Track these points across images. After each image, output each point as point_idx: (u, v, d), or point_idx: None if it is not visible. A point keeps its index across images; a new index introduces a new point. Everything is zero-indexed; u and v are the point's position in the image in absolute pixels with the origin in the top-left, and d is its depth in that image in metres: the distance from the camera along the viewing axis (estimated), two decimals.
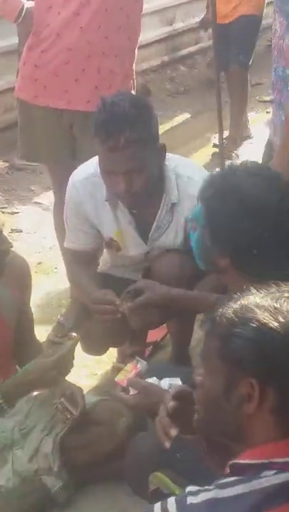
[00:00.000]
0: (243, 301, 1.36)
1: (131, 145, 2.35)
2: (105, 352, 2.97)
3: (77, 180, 2.67)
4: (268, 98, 6.31)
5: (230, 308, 1.35)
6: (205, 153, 5.15)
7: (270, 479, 1.26)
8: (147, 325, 2.63)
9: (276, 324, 1.30)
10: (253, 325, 1.30)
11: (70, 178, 2.72)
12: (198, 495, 1.29)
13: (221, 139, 3.73)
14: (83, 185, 2.63)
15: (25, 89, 3.20)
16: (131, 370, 2.11)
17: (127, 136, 2.33)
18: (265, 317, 1.31)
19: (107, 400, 2.61)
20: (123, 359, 2.98)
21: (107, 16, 3.03)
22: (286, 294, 1.37)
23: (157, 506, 1.34)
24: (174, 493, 1.91)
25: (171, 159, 2.66)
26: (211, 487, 1.29)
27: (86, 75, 3.07)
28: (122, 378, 2.11)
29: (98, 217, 2.65)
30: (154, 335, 3.09)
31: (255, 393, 1.29)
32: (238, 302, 1.37)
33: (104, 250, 2.86)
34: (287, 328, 1.30)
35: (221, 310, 1.37)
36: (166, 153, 2.61)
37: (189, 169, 2.67)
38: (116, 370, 2.98)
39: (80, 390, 2.47)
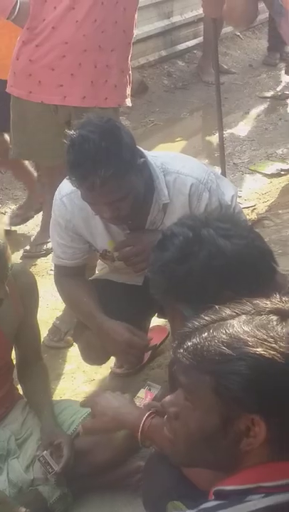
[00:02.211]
0: (229, 330, 1.32)
1: (108, 181, 2.32)
2: (106, 361, 2.94)
3: (63, 195, 2.62)
4: (268, 94, 6.36)
5: (218, 338, 1.32)
6: (203, 149, 5.14)
7: (256, 503, 1.27)
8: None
9: (276, 354, 1.28)
10: (253, 359, 1.28)
11: (56, 194, 2.70)
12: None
13: (221, 136, 3.71)
14: (70, 199, 2.59)
15: (18, 85, 3.21)
16: (145, 396, 2.07)
17: (102, 175, 2.30)
18: (264, 350, 1.28)
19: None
20: (121, 364, 3.00)
21: (103, 9, 3.03)
22: (272, 317, 1.35)
23: None
24: None
25: (158, 156, 2.63)
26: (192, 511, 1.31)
27: (82, 69, 3.07)
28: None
29: (89, 231, 2.63)
30: (153, 339, 3.10)
31: (259, 429, 1.28)
32: (223, 330, 1.33)
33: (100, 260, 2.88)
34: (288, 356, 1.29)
35: (201, 338, 1.33)
36: (152, 151, 2.65)
37: (177, 163, 2.63)
38: (113, 375, 3.01)
39: (69, 439, 2.42)
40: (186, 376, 1.36)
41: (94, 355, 2.87)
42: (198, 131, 5.44)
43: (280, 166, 4.98)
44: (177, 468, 1.88)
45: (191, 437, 1.37)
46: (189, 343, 1.35)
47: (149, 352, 3.05)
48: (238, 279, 1.85)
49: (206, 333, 1.34)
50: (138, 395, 2.09)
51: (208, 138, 5.24)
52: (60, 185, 2.64)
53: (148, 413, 1.94)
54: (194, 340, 1.35)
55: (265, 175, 4.87)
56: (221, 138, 3.44)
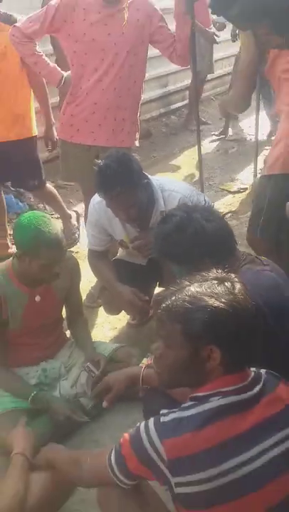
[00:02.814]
0: (188, 292, 1.36)
1: (121, 195, 2.35)
2: (119, 313, 2.96)
3: (95, 203, 2.68)
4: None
5: (181, 298, 1.35)
6: (188, 175, 5.12)
7: (215, 403, 1.32)
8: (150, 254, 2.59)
9: (220, 304, 1.32)
10: (207, 309, 1.31)
11: (91, 201, 2.73)
12: (167, 415, 1.34)
13: (200, 166, 3.64)
14: (99, 206, 2.62)
15: (64, 132, 3.18)
16: (146, 362, 2.01)
17: (118, 191, 2.34)
18: (213, 301, 1.32)
19: (123, 346, 2.62)
20: (134, 318, 3.01)
21: (120, 81, 3.00)
22: (214, 281, 1.39)
23: (141, 424, 1.39)
24: None
25: (158, 180, 2.65)
26: (176, 410, 1.34)
27: (106, 121, 3.05)
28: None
29: (111, 228, 2.66)
30: None
31: (216, 354, 1.32)
32: (184, 293, 1.36)
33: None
34: (230, 305, 1.33)
35: (171, 300, 1.36)
36: (154, 176, 2.65)
37: (171, 185, 2.63)
38: (129, 325, 3.01)
39: (104, 358, 2.46)
40: (163, 327, 1.38)
41: (111, 308, 2.91)
42: (185, 163, 5.40)
43: (239, 185, 4.97)
44: (167, 394, 1.87)
45: (171, 368, 1.40)
46: (163, 305, 1.38)
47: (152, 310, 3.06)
48: (213, 250, 1.85)
49: (173, 297, 1.37)
50: (142, 362, 2.04)
51: (191, 167, 5.20)
52: (93, 196, 2.65)
53: (143, 368, 1.96)
54: (166, 302, 1.37)
55: (230, 192, 4.85)
56: (201, 167, 3.40)
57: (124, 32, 2.93)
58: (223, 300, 1.32)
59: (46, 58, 3.14)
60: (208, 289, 1.35)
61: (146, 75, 3.24)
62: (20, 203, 4.34)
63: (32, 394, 2.26)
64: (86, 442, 2.30)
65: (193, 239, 1.87)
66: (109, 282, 2.70)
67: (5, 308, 2.27)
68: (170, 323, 1.35)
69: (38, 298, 2.34)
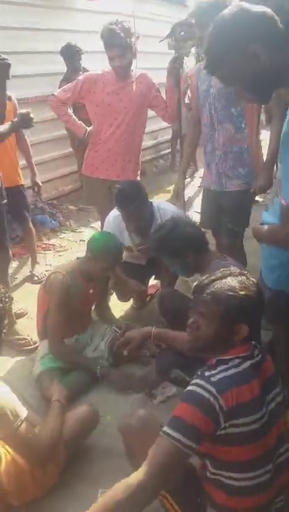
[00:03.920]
0: (228, 283, 1.31)
1: (133, 211, 2.46)
2: (128, 300, 2.93)
3: (110, 219, 2.71)
4: None
5: (223, 288, 1.30)
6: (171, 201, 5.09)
7: (245, 364, 1.27)
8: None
9: (250, 293, 1.30)
10: (242, 297, 1.29)
11: (106, 218, 2.77)
12: (214, 376, 1.23)
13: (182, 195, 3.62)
14: (113, 220, 2.67)
15: (86, 169, 3.17)
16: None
17: (131, 209, 2.45)
18: (246, 292, 1.29)
19: (130, 323, 2.61)
20: (136, 303, 3.00)
21: (128, 134, 3.01)
22: (242, 276, 1.34)
23: (191, 387, 1.23)
24: (184, 379, 1.94)
25: (155, 202, 2.72)
26: (215, 371, 1.24)
27: (117, 162, 3.04)
28: None
29: (121, 237, 2.65)
30: (151, 290, 3.09)
31: (244, 330, 1.28)
32: (225, 283, 1.31)
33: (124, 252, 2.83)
34: (257, 295, 1.31)
35: (215, 288, 1.31)
36: (152, 201, 2.70)
37: (164, 205, 2.73)
38: (134, 309, 3.00)
39: (124, 323, 2.52)
40: (208, 307, 1.32)
41: (121, 297, 2.87)
42: (170, 194, 5.40)
43: None
44: (173, 352, 1.87)
45: (206, 338, 1.33)
46: (208, 291, 1.32)
47: (148, 297, 3.08)
48: (194, 247, 1.93)
49: (216, 285, 1.32)
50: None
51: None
52: (110, 212, 2.69)
53: (153, 328, 1.94)
54: (210, 288, 1.32)
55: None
56: (182, 196, 3.36)
57: (131, 99, 2.95)
58: (251, 290, 1.30)
59: (75, 117, 3.14)
60: (241, 281, 1.32)
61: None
62: (53, 221, 4.31)
63: (98, 367, 2.25)
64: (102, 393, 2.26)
65: (179, 239, 1.95)
66: (121, 275, 2.67)
67: (68, 295, 2.25)
68: (214, 305, 1.30)
69: (91, 290, 2.36)
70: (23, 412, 1.48)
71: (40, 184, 3.39)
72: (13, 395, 1.46)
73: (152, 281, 3.06)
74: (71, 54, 4.35)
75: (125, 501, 1.12)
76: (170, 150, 6.76)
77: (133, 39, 2.81)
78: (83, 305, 2.39)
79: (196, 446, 1.17)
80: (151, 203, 2.64)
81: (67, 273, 2.25)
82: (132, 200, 2.45)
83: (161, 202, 2.82)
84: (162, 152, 6.95)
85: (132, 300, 2.99)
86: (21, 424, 1.45)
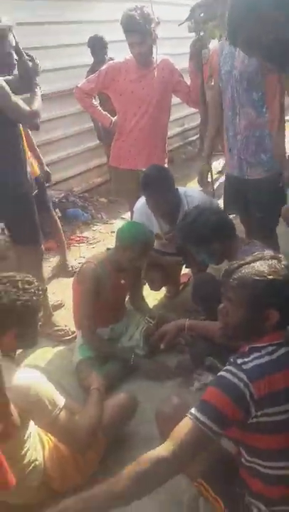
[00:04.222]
0: (256, 267, 1.26)
1: (157, 195, 2.44)
2: (160, 289, 2.92)
3: (138, 203, 2.70)
4: None
5: (251, 272, 1.25)
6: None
7: (280, 352, 1.22)
8: None
9: (279, 277, 1.25)
10: (269, 280, 1.24)
11: (135, 207, 2.76)
12: (247, 363, 1.20)
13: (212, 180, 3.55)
14: (141, 207, 2.67)
15: (114, 161, 3.17)
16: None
17: (155, 192, 2.44)
18: (275, 276, 1.25)
19: (163, 312, 2.62)
20: (169, 292, 2.99)
21: (152, 121, 2.97)
22: (273, 260, 1.29)
23: (221, 373, 1.21)
24: (217, 366, 1.91)
25: (182, 189, 2.68)
26: (249, 358, 1.21)
27: (143, 151, 3.01)
28: None
29: (150, 224, 2.64)
30: (183, 279, 3.07)
31: (274, 316, 1.24)
32: (252, 267, 1.26)
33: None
34: (286, 279, 1.25)
35: (242, 272, 1.27)
36: (179, 188, 2.66)
37: (192, 192, 2.68)
38: (167, 297, 2.99)
39: (157, 313, 2.52)
40: (234, 293, 1.28)
41: (153, 286, 2.86)
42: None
43: None
44: (205, 340, 1.86)
45: (236, 324, 1.29)
46: (235, 276, 1.28)
47: (181, 285, 3.05)
48: (219, 235, 1.88)
49: (243, 270, 1.28)
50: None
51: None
52: (138, 201, 2.69)
53: (187, 320, 1.95)
54: (238, 273, 1.28)
55: None
56: (208, 182, 3.26)
57: (153, 86, 2.91)
58: (281, 274, 1.25)
59: (100, 108, 3.14)
60: (270, 265, 1.27)
61: (170, 117, 3.20)
62: (85, 214, 4.34)
63: (132, 356, 2.27)
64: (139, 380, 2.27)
65: (203, 227, 1.92)
66: (161, 258, 2.69)
67: (99, 284, 2.26)
68: (241, 290, 1.26)
69: (123, 281, 2.37)
70: (61, 400, 1.50)
71: (50, 172, 3.35)
72: (50, 384, 1.49)
73: (184, 269, 3.03)
74: (98, 45, 4.33)
75: (147, 472, 1.11)
76: (198, 136, 6.63)
77: (153, 25, 2.76)
78: (115, 295, 2.39)
79: (221, 431, 1.16)
80: (177, 189, 2.60)
81: (97, 263, 2.27)
82: (157, 184, 2.42)
83: (189, 189, 2.79)
84: (190, 139, 6.84)
85: (164, 289, 2.97)
86: (60, 412, 1.47)
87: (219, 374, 1.22)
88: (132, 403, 1.87)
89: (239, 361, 1.21)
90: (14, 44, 2.31)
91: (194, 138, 6.87)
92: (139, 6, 2.75)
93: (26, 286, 1.50)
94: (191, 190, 2.72)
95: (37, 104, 2.28)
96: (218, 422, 1.15)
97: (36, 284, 1.56)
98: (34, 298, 1.50)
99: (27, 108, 2.22)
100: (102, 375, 1.98)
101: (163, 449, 1.14)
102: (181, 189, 2.66)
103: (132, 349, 2.38)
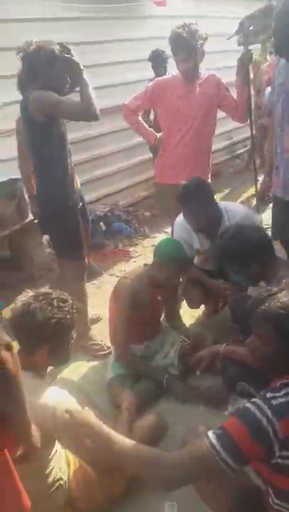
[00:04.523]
0: (280, 299, 1.20)
1: (193, 208, 2.41)
2: (199, 307, 2.85)
3: (178, 221, 2.66)
4: None
5: (275, 304, 1.19)
6: (248, 199, 4.89)
7: None
8: None
9: None
10: None
11: (175, 221, 2.72)
12: (276, 399, 1.13)
13: (256, 191, 3.48)
14: (181, 223, 2.62)
15: (158, 176, 3.17)
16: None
17: (190, 205, 2.41)
18: None
19: (199, 330, 2.55)
20: (208, 310, 2.92)
21: (197, 137, 2.94)
22: None
23: (247, 404, 1.15)
24: (251, 393, 1.83)
25: (223, 204, 2.61)
26: (279, 394, 1.13)
27: (187, 166, 2.97)
28: None
29: (190, 239, 2.60)
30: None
31: None
32: (277, 300, 1.20)
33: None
34: None
35: (266, 305, 1.21)
36: (220, 202, 2.59)
37: (234, 207, 2.61)
38: (205, 315, 2.91)
39: (192, 333, 2.46)
40: (259, 326, 1.23)
41: (192, 304, 2.78)
42: (245, 192, 5.20)
43: None
44: (238, 364, 1.78)
45: (262, 359, 1.24)
46: (260, 308, 1.22)
47: (220, 303, 2.96)
48: (258, 256, 1.80)
49: (269, 301, 1.22)
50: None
51: (250, 197, 4.98)
52: (179, 215, 2.65)
53: (222, 346, 1.92)
54: (263, 305, 1.22)
55: None
56: (257, 195, 3.21)
57: (199, 101, 2.88)
58: None
59: (146, 125, 3.16)
60: None
61: (217, 131, 3.15)
62: (128, 228, 4.36)
63: (165, 376, 2.22)
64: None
65: (240, 246, 1.84)
66: (204, 278, 2.62)
67: (135, 299, 2.24)
68: (265, 324, 1.21)
69: (159, 297, 2.35)
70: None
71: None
72: (78, 405, 1.47)
73: None
74: (159, 59, 4.38)
75: (146, 462, 1.18)
76: (246, 149, 6.52)
77: (200, 41, 2.74)
78: (151, 311, 2.36)
79: (235, 465, 1.10)
80: (217, 203, 2.53)
81: (134, 278, 2.25)
82: (195, 196, 2.38)
83: (230, 203, 2.72)
84: (238, 152, 6.74)
85: (203, 306, 2.90)
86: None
87: (245, 405, 1.15)
88: (162, 425, 1.83)
89: (268, 395, 1.14)
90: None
91: (242, 151, 6.76)
92: (187, 23, 2.75)
93: (61, 304, 1.51)
94: (232, 205, 2.65)
95: (85, 95, 2.23)
96: (234, 456, 1.09)
97: (71, 302, 1.56)
98: (68, 316, 1.51)
99: (78, 105, 2.22)
100: (134, 394, 1.95)
101: (171, 455, 1.17)
102: (222, 204, 2.60)
103: (166, 368, 2.33)
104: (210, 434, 1.13)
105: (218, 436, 1.11)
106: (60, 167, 2.34)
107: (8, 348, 1.05)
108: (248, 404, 1.14)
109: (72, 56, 2.28)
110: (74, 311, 1.55)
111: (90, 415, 1.35)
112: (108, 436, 1.26)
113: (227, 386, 2.08)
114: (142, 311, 2.28)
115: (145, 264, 2.41)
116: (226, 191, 5.33)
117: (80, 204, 2.57)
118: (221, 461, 1.09)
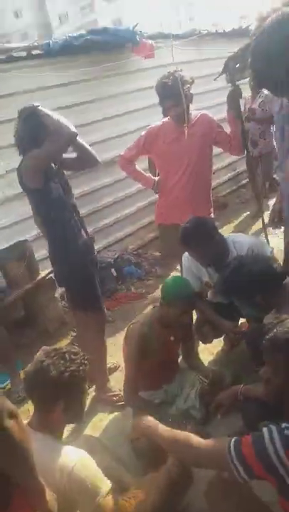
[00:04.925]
0: (288, 327, 1.19)
1: (195, 248, 2.43)
2: (211, 342, 2.75)
3: (185, 256, 2.66)
4: None
5: (282, 331, 1.18)
6: (254, 230, 4.86)
7: None
8: None
9: None
10: None
11: (183, 257, 2.72)
12: None
13: (263, 221, 3.46)
14: (188, 257, 2.63)
15: (159, 218, 3.23)
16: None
17: (192, 246, 2.43)
18: None
19: (216, 369, 2.50)
20: (226, 345, 2.85)
21: (194, 176, 3.00)
22: None
23: (265, 430, 1.18)
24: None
25: (230, 237, 2.59)
26: None
27: (186, 206, 3.01)
28: None
29: (199, 272, 2.60)
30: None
31: None
32: (284, 327, 1.19)
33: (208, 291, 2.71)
34: None
35: (274, 333, 1.20)
36: (228, 235, 2.58)
37: (240, 238, 2.58)
38: (224, 351, 2.84)
39: (211, 371, 2.40)
40: (269, 355, 1.24)
41: (205, 339, 2.71)
42: (251, 222, 5.17)
43: None
44: (258, 402, 1.74)
45: (276, 389, 1.25)
46: (268, 337, 1.22)
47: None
48: (263, 288, 1.79)
49: (276, 329, 1.23)
50: None
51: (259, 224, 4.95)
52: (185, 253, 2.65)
53: (241, 386, 1.89)
54: (272, 333, 1.22)
55: None
56: (263, 222, 3.18)
57: (193, 142, 2.95)
58: None
59: (142, 171, 3.24)
60: None
61: (220, 164, 3.22)
62: (138, 270, 4.38)
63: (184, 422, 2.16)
64: None
65: (244, 280, 1.82)
66: (213, 317, 2.58)
67: (146, 343, 2.23)
68: (274, 352, 1.20)
69: (172, 337, 2.32)
70: (107, 484, 1.43)
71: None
72: (95, 467, 1.42)
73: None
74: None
75: (178, 441, 1.37)
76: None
77: (186, 86, 2.85)
78: (165, 353, 2.32)
79: (245, 475, 1.18)
80: (222, 237, 2.52)
81: (143, 323, 2.24)
82: (195, 238, 2.38)
83: (237, 235, 2.71)
84: (243, 181, 6.79)
85: (222, 341, 2.84)
86: (104, 498, 1.40)
87: (264, 427, 1.17)
88: (183, 474, 1.73)
89: (284, 425, 1.13)
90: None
91: (248, 181, 6.78)
92: (171, 72, 2.88)
93: (73, 357, 1.53)
94: (239, 236, 2.64)
95: (55, 133, 2.18)
96: (244, 467, 1.17)
97: (82, 353, 1.58)
98: (81, 368, 1.52)
99: (49, 148, 2.19)
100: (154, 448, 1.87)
101: (198, 440, 1.33)
102: (229, 236, 2.60)
103: (188, 411, 2.28)
104: (232, 439, 1.22)
105: (235, 444, 1.20)
106: (62, 226, 2.39)
107: (12, 415, 1.05)
108: (265, 428, 1.16)
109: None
110: (86, 362, 1.56)
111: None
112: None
113: (249, 427, 2.00)
114: (155, 355, 2.25)
115: (154, 307, 2.40)
116: (235, 222, 5.34)
117: (92, 255, 2.54)
118: (234, 466, 1.18)
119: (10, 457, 1.04)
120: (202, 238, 2.39)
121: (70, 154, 2.48)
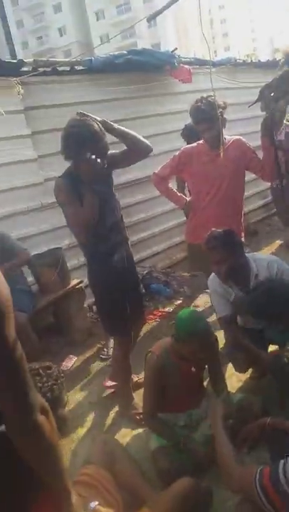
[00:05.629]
0: None
1: (224, 258, 2.35)
2: (245, 371, 2.66)
3: (211, 278, 2.59)
4: None
5: None
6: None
7: None
8: None
9: None
10: None
11: (209, 278, 2.64)
12: None
13: None
14: (214, 278, 2.55)
15: (189, 237, 3.24)
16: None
17: (212, 244, 2.37)
18: None
19: (245, 396, 2.39)
20: (255, 372, 2.74)
21: (226, 199, 3.03)
22: None
23: (280, 466, 1.28)
24: None
25: (250, 255, 2.54)
26: None
27: (217, 226, 2.97)
28: None
29: (225, 292, 2.52)
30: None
31: None
32: None
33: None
34: None
35: None
36: (247, 254, 2.53)
37: (260, 256, 2.54)
38: (253, 379, 2.72)
39: (238, 398, 2.29)
40: None
41: (239, 368, 2.61)
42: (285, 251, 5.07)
43: None
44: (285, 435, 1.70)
45: None
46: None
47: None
48: (282, 313, 1.74)
49: None
50: None
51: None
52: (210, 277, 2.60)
53: (268, 419, 1.85)
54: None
55: None
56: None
57: (226, 165, 2.97)
58: None
59: (175, 190, 3.27)
60: None
61: (252, 191, 3.21)
62: (167, 289, 4.36)
63: (180, 438, 2.11)
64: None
65: (277, 303, 1.78)
66: (249, 345, 2.45)
67: (165, 375, 2.14)
68: None
69: (193, 368, 2.20)
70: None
71: None
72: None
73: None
74: (193, 132, 4.57)
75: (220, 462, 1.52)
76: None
77: (220, 110, 2.89)
78: (187, 381, 2.21)
79: (267, 504, 1.24)
80: (243, 254, 2.47)
81: (160, 353, 2.13)
82: (217, 241, 2.34)
83: (257, 253, 2.68)
84: (274, 210, 6.67)
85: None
86: None
87: (281, 465, 1.24)
88: (197, 490, 1.65)
89: None
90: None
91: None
92: (205, 96, 2.93)
93: (48, 372, 1.53)
94: (258, 254, 2.62)
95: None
96: (265, 495, 1.25)
97: (55, 367, 1.58)
98: (58, 381, 1.54)
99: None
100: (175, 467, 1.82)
101: (235, 467, 1.45)
102: (249, 255, 2.54)
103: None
104: (259, 467, 1.30)
105: (260, 473, 1.29)
106: (90, 254, 2.39)
107: (44, 411, 1.00)
108: (280, 467, 1.25)
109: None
110: (62, 375, 1.58)
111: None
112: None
113: (275, 460, 1.90)
114: (176, 385, 2.16)
115: (173, 335, 2.19)
116: (264, 249, 5.27)
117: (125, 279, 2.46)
118: (257, 494, 1.26)
119: (40, 455, 0.99)
120: (225, 244, 2.34)
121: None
